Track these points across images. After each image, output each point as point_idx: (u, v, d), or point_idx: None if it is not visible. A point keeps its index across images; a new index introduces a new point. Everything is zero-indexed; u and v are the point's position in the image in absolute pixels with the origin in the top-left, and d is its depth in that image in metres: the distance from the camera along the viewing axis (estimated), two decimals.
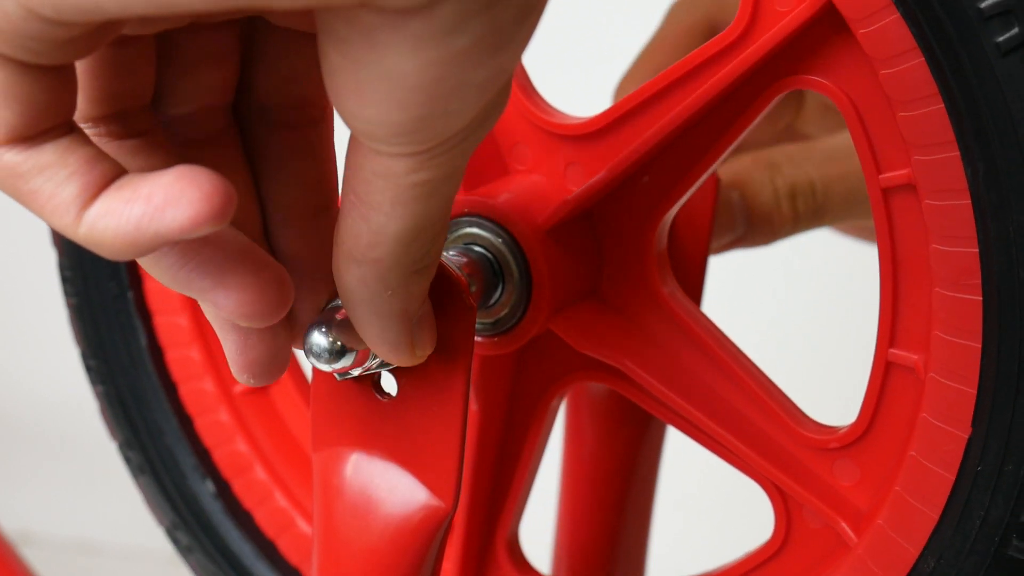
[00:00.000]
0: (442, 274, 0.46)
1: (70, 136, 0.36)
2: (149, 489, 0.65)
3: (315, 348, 0.43)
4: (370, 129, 0.36)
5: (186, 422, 0.64)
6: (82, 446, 1.63)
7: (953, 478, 0.48)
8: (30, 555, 0.97)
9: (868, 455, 0.51)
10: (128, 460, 0.66)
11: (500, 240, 0.52)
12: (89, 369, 0.65)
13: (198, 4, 0.33)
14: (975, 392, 0.47)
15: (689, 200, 0.55)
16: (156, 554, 1.55)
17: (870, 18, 0.46)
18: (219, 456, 0.64)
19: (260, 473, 0.63)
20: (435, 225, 0.39)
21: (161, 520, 0.66)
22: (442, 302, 0.46)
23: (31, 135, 0.36)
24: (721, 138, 0.51)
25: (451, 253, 0.52)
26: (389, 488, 0.46)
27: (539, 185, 0.54)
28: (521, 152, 0.55)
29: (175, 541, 0.66)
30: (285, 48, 0.41)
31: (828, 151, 0.66)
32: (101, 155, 0.37)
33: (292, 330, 0.43)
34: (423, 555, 0.46)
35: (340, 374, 0.46)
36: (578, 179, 0.54)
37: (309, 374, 0.64)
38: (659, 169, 0.53)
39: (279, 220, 0.43)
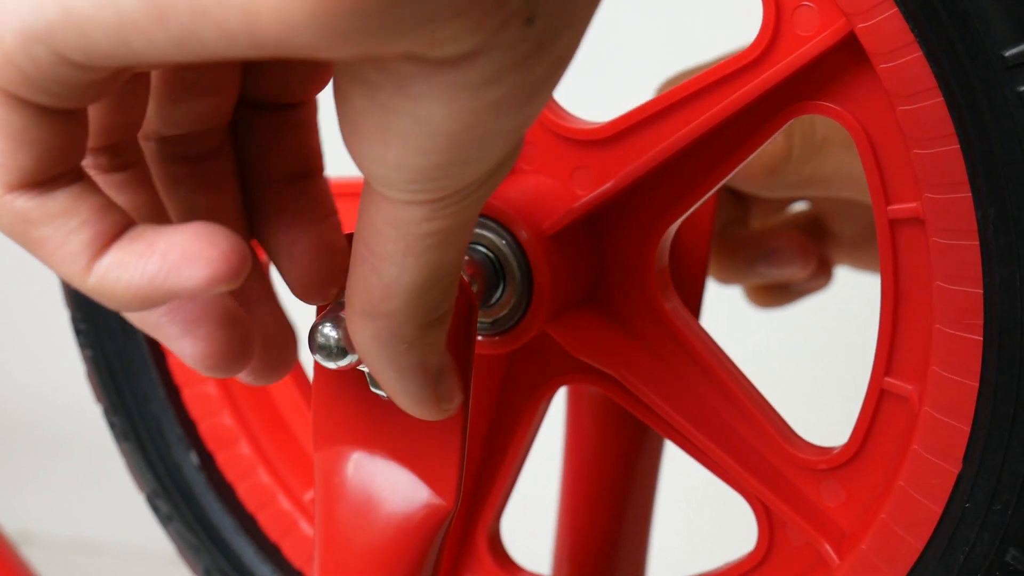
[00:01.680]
0: None
1: (80, 183, 0.36)
2: (131, 456, 0.65)
3: (320, 345, 0.43)
4: (387, 174, 0.36)
5: (173, 392, 0.64)
6: (82, 446, 1.63)
7: (940, 511, 0.48)
8: (30, 555, 0.97)
9: (855, 479, 0.52)
10: (112, 425, 0.66)
11: (503, 242, 0.53)
12: (78, 332, 0.65)
13: (233, 51, 0.32)
14: (969, 430, 0.47)
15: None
16: (156, 554, 1.55)
17: (892, 53, 0.46)
18: (205, 428, 0.64)
19: (245, 448, 0.63)
20: (449, 275, 0.39)
21: (142, 487, 0.66)
22: None
23: (43, 180, 0.35)
24: (731, 156, 0.52)
25: None
26: (391, 486, 0.47)
27: (545, 187, 0.54)
28: (530, 152, 0.55)
29: (155, 509, 0.66)
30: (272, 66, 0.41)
31: None
32: (112, 204, 0.36)
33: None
34: (424, 553, 0.47)
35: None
36: (585, 184, 0.54)
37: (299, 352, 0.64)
38: (667, 181, 0.53)
39: (267, 211, 0.43)
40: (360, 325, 0.40)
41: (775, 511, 0.53)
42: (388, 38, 0.31)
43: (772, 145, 0.63)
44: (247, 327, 0.40)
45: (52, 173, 0.35)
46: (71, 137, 0.35)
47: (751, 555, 0.55)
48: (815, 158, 0.64)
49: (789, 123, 0.62)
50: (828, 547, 0.52)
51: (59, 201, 0.35)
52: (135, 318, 0.40)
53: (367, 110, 0.34)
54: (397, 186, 0.36)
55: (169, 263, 0.35)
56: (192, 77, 0.40)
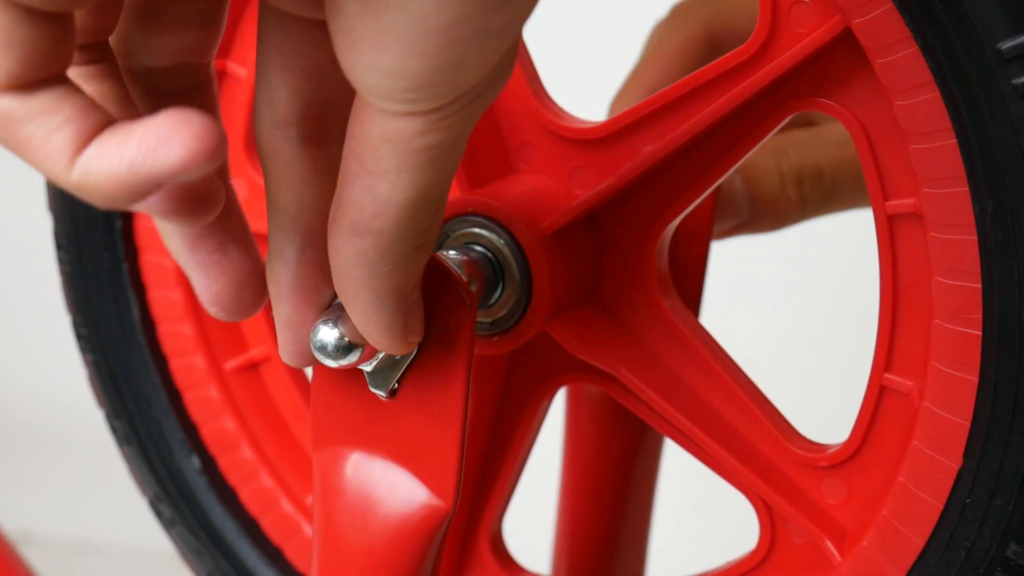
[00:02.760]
0: (443, 272, 0.46)
1: (65, 84, 0.36)
2: (134, 460, 0.65)
3: (322, 344, 0.44)
4: (383, 83, 0.36)
5: (175, 396, 0.64)
6: (82, 446, 1.63)
7: (941, 507, 0.48)
8: (30, 555, 0.97)
9: (857, 476, 0.52)
10: (114, 430, 0.66)
11: (502, 241, 0.53)
12: (80, 337, 0.65)
13: None
14: (968, 425, 0.47)
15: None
16: (156, 554, 1.55)
17: (888, 49, 0.46)
18: (206, 432, 0.64)
19: (247, 452, 0.63)
20: (439, 196, 0.39)
21: (144, 491, 0.66)
22: (442, 300, 0.46)
23: (28, 83, 0.36)
24: (729, 154, 0.51)
25: (452, 252, 0.52)
26: (389, 487, 0.47)
27: (543, 187, 0.54)
28: (527, 152, 0.55)
29: (157, 513, 0.66)
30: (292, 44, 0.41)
31: (836, 137, 0.64)
32: (95, 104, 0.37)
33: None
34: (423, 554, 0.46)
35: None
36: (583, 183, 0.54)
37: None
38: (665, 180, 0.53)
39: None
40: (346, 242, 0.40)
41: (776, 509, 0.53)
42: None
43: (783, 198, 0.62)
44: (260, 271, 0.42)
45: (37, 76, 0.36)
46: (58, 41, 0.36)
47: (753, 553, 0.55)
48: (827, 202, 0.63)
49: (796, 171, 0.62)
50: (830, 544, 0.52)
51: (42, 101, 0.36)
52: (174, 247, 0.41)
53: (360, 13, 0.35)
54: (393, 95, 0.36)
55: (145, 146, 0.35)
56: (179, 9, 0.40)
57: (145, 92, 0.42)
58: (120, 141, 0.35)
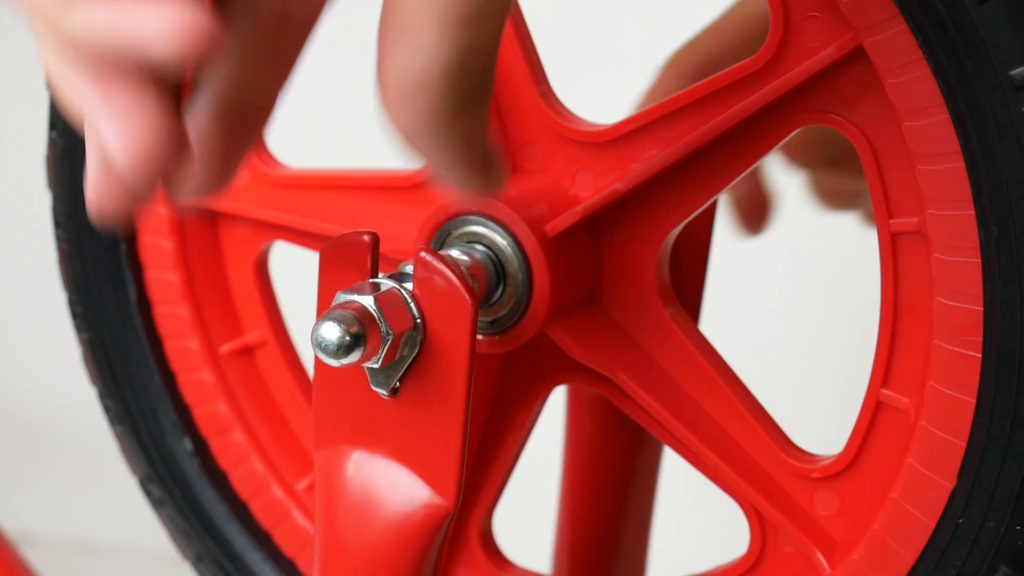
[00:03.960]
0: (444, 271, 0.46)
1: None
2: (125, 439, 0.65)
3: (323, 343, 0.44)
4: None
5: (169, 378, 0.64)
6: (82, 446, 1.62)
7: (933, 525, 0.48)
8: (30, 555, 0.97)
9: (849, 488, 0.52)
10: (107, 409, 0.66)
11: (504, 241, 0.53)
12: (75, 316, 0.65)
13: None
14: (964, 446, 0.47)
15: None
16: (156, 554, 1.55)
17: (900, 69, 0.46)
18: (199, 415, 0.64)
19: (239, 436, 0.63)
20: (485, 49, 0.39)
21: (134, 470, 0.66)
22: (444, 299, 0.47)
23: None
24: (734, 164, 0.52)
25: (454, 251, 0.53)
26: (390, 486, 0.47)
27: (547, 188, 0.54)
28: (531, 152, 0.55)
29: (147, 492, 0.66)
30: None
31: None
32: None
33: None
34: (424, 553, 0.47)
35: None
36: (587, 185, 0.54)
37: (296, 342, 0.64)
38: (670, 186, 0.53)
39: None
40: (402, 105, 0.39)
41: (767, 517, 0.53)
42: None
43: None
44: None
45: None
46: None
47: (743, 559, 0.55)
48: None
49: None
50: (820, 555, 0.52)
51: None
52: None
53: None
54: None
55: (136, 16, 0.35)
56: None
57: None
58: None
